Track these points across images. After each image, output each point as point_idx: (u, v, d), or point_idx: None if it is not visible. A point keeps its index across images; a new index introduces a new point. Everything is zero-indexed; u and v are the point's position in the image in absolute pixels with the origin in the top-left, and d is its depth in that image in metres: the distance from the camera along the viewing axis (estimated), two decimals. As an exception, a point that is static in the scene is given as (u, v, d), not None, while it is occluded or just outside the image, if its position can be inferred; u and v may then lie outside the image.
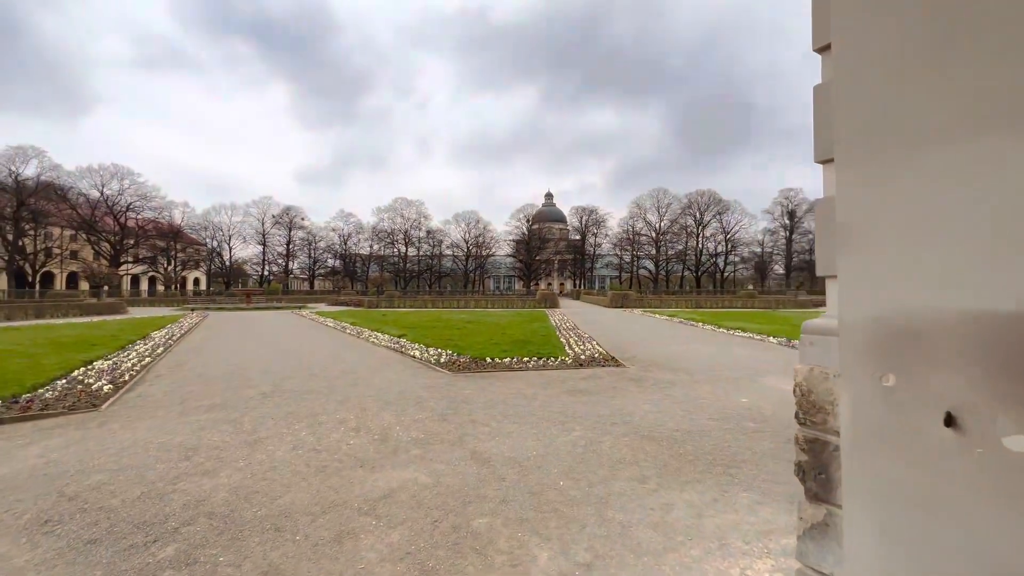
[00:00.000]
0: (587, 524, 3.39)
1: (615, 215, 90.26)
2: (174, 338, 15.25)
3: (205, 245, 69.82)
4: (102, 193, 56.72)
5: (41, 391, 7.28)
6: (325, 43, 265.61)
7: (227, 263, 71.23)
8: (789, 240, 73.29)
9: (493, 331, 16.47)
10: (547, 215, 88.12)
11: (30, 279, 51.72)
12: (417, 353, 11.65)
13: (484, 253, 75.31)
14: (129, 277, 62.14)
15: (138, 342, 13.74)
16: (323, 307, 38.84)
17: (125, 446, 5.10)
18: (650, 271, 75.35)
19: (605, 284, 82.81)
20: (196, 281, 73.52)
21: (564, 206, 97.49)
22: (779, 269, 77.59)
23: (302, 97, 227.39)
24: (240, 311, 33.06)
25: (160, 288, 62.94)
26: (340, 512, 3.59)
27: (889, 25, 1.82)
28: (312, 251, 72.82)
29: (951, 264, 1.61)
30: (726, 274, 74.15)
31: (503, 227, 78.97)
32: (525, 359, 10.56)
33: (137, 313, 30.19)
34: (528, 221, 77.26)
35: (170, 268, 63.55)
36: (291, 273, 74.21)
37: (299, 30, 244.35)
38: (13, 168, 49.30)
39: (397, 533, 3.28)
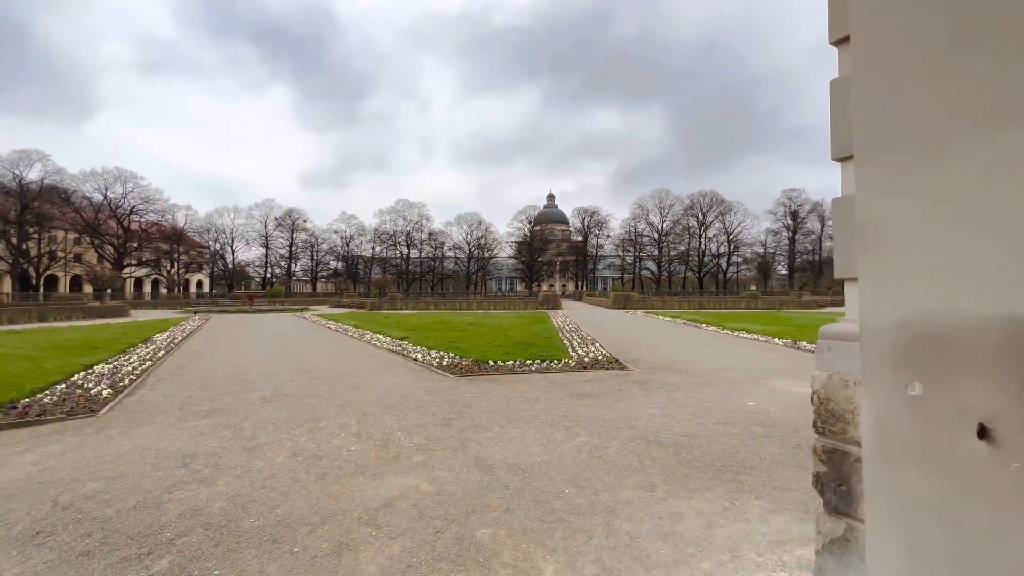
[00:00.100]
0: (594, 534, 3.29)
1: (617, 216, 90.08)
2: (176, 341, 15.22)
3: (208, 248, 70.03)
4: (105, 196, 57.07)
5: (40, 396, 7.21)
6: (327, 45, 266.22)
7: (230, 266, 71.42)
8: (792, 241, 73.09)
9: (495, 333, 16.37)
10: (549, 216, 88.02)
11: (34, 282, 51.92)
12: (419, 356, 11.58)
13: (486, 255, 75.29)
14: (132, 280, 62.36)
15: (140, 345, 13.70)
16: (325, 309, 38.83)
17: (122, 453, 5.02)
18: (652, 272, 75.19)
19: (607, 285, 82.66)
20: (199, 284, 73.71)
21: (566, 207, 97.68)
22: (782, 270, 77.38)
23: (304, 99, 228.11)
24: (243, 314, 33.10)
25: (163, 291, 63.18)
26: (340, 522, 3.50)
27: (912, 15, 1.71)
28: (314, 253, 72.96)
29: (983, 265, 1.50)
30: (729, 275, 73.97)
31: (505, 229, 79.19)
32: (528, 362, 10.45)
33: (140, 316, 30.24)
34: (530, 222, 77.20)
35: (173, 271, 63.74)
36: (293, 275, 74.33)
37: (301, 33, 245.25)
38: (17, 172, 49.69)
39: (398, 544, 3.18)
